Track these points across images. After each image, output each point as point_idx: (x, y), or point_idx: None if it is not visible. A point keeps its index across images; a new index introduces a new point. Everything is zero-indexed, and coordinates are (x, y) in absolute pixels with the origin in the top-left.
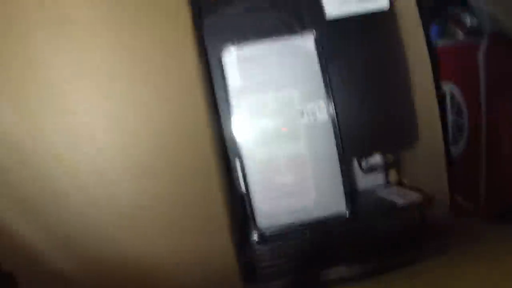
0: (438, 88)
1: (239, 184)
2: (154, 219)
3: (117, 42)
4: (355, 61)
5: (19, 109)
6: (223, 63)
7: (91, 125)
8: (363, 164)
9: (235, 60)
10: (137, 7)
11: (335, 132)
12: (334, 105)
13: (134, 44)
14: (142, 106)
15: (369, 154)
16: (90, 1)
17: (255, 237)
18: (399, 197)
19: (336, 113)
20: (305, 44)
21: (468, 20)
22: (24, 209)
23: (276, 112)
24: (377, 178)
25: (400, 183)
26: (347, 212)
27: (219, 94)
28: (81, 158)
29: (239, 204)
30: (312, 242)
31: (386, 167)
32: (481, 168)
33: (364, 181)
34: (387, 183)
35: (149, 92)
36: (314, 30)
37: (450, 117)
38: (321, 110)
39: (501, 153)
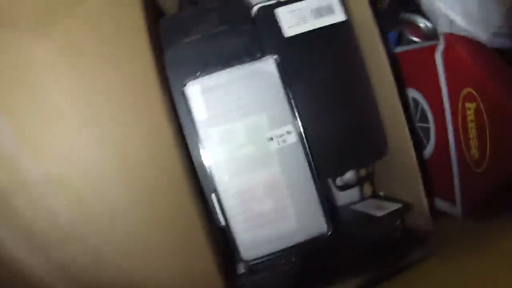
0: (402, 95)
1: (217, 218)
2: (148, 254)
3: (81, 85)
4: (319, 78)
5: (18, 130)
6: (186, 97)
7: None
8: (338, 181)
9: (198, 93)
10: (98, 50)
11: (306, 154)
12: (303, 126)
13: (97, 86)
14: (113, 150)
15: (343, 171)
16: (52, 48)
17: (241, 270)
18: (377, 209)
19: (305, 134)
20: (267, 67)
21: (422, 24)
22: (23, 234)
23: (246, 141)
24: (353, 194)
25: (375, 196)
26: (328, 231)
27: (186, 127)
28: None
29: (220, 238)
30: (298, 267)
31: (360, 182)
32: (452, 169)
33: (340, 198)
34: (363, 197)
35: (119, 134)
36: (274, 53)
37: (415, 122)
38: (290, 134)
39: (470, 152)
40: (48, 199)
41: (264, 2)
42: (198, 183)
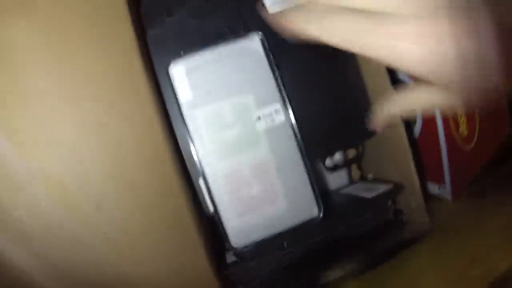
0: (392, 75)
1: (205, 204)
2: (135, 244)
3: (62, 66)
4: (305, 56)
5: (10, 135)
6: (171, 77)
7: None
8: (327, 162)
9: (183, 73)
10: (78, 29)
11: (294, 133)
12: (291, 105)
13: (81, 67)
14: (95, 133)
15: (332, 152)
16: (32, 28)
17: (232, 258)
18: (367, 191)
19: (294, 113)
20: (252, 45)
21: None
22: (15, 235)
23: (232, 121)
24: (341, 178)
25: (363, 179)
26: (320, 214)
27: (172, 109)
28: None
29: (209, 226)
30: (291, 252)
31: (349, 163)
32: (440, 149)
33: (329, 182)
34: (351, 181)
35: (102, 117)
36: (259, 31)
37: None
38: (278, 113)
39: (459, 130)
40: (28, 186)
41: None
42: (186, 169)
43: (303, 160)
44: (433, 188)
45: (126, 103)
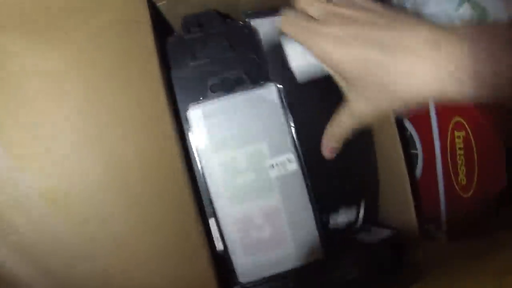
0: (399, 123)
1: (216, 243)
2: (151, 273)
3: (89, 99)
4: (317, 108)
5: (18, 146)
6: (189, 121)
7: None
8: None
9: (200, 118)
10: (109, 65)
11: (305, 181)
12: (303, 154)
13: (108, 102)
14: (118, 171)
15: (336, 207)
16: (62, 59)
17: None
18: (369, 235)
19: (305, 162)
20: (269, 95)
21: None
22: (25, 256)
23: (246, 168)
24: (343, 218)
25: (365, 221)
26: (324, 257)
27: (190, 150)
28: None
29: (218, 260)
30: None
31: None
32: (439, 194)
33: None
34: (355, 220)
35: (126, 155)
36: (278, 81)
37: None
38: (290, 162)
39: (458, 178)
40: (50, 220)
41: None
42: (202, 206)
43: (312, 206)
44: (429, 229)
45: (150, 142)
